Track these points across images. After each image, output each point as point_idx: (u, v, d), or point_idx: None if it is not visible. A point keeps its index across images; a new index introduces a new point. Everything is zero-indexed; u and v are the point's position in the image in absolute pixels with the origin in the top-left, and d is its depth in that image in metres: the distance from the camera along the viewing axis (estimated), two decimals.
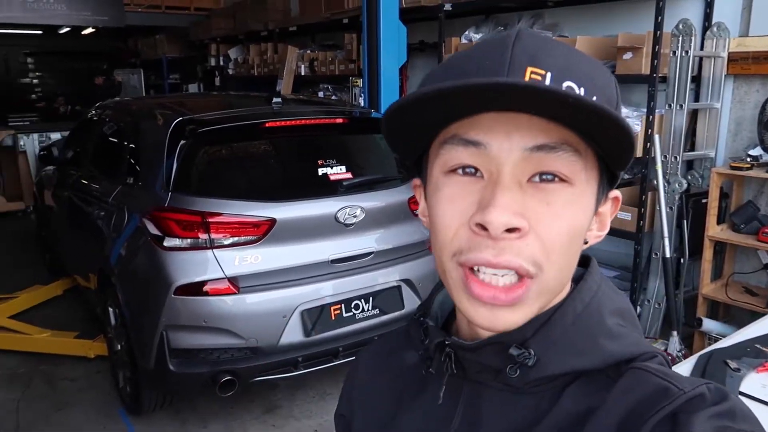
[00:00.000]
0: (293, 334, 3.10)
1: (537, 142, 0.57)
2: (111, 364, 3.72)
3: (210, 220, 2.95)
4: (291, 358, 3.12)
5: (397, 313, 3.44)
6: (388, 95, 5.68)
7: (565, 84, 0.56)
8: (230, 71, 9.56)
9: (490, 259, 0.57)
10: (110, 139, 4.02)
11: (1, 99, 12.38)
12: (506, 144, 0.57)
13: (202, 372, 2.97)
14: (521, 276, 0.58)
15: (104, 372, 3.84)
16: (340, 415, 0.86)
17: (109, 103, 4.82)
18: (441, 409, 0.68)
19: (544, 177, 0.58)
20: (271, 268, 3.07)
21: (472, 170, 0.59)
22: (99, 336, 4.00)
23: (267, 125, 3.28)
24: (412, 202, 3.54)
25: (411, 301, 3.49)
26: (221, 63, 9.92)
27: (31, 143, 7.45)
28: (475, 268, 0.59)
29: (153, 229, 3.00)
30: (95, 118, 4.52)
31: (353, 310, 3.28)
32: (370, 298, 3.34)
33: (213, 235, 2.96)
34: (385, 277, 3.41)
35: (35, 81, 14.12)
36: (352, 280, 3.30)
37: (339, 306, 3.24)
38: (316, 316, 3.16)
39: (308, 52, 7.74)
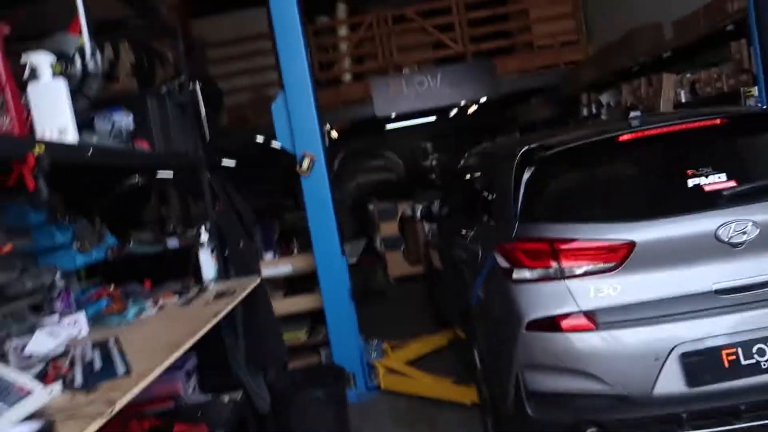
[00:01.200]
0: (671, 382, 2.51)
1: None
2: (480, 410, 3.65)
3: (559, 246, 2.67)
4: (672, 414, 2.52)
5: None
6: None
7: None
8: (604, 117, 9.17)
9: None
10: (469, 184, 4.14)
11: (409, 180, 14.47)
12: None
13: (562, 420, 2.63)
14: None
15: (478, 418, 3.78)
16: None
17: (469, 153, 5.03)
18: None
19: None
20: (635, 301, 2.59)
21: None
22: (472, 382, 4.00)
23: (620, 138, 2.87)
24: None
25: None
26: (593, 111, 9.61)
27: None
28: None
29: (502, 262, 2.86)
30: (459, 171, 4.75)
31: (756, 356, 2.51)
32: None
33: (563, 264, 2.66)
34: None
35: (433, 162, 16.08)
36: (752, 316, 2.55)
37: (734, 349, 2.52)
38: (701, 361, 2.51)
39: (687, 75, 6.87)
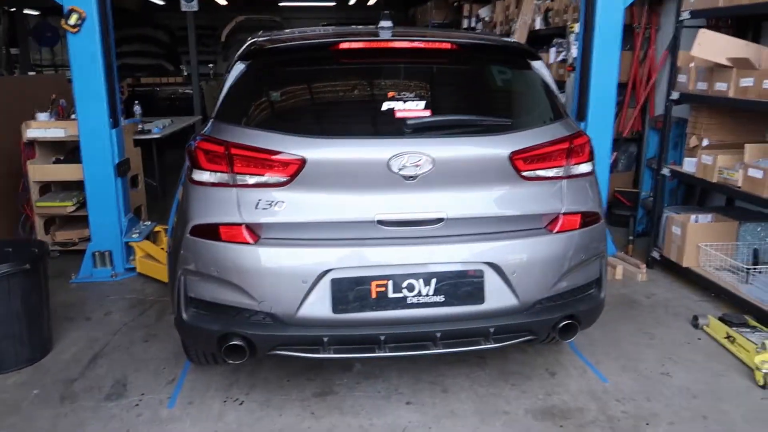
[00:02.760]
0: (317, 306, 2.46)
1: None
2: None
3: (233, 151, 2.47)
4: (314, 336, 2.49)
5: (472, 308, 2.53)
6: (606, 40, 4.44)
7: None
8: (477, 30, 8.92)
9: None
10: None
11: None
12: None
13: (212, 329, 2.54)
14: None
15: None
16: None
17: None
18: None
19: None
20: (297, 220, 2.47)
21: None
22: None
23: (339, 47, 2.63)
24: (518, 158, 2.54)
25: (497, 296, 2.53)
26: (472, 24, 9.34)
27: None
28: None
29: (188, 161, 2.64)
30: None
31: (405, 290, 2.49)
32: (433, 280, 2.50)
33: (236, 170, 2.47)
34: (461, 256, 2.52)
35: None
36: (409, 251, 2.50)
37: (384, 282, 2.48)
38: (350, 289, 2.46)
39: (547, 2, 6.68)
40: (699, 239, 4.18)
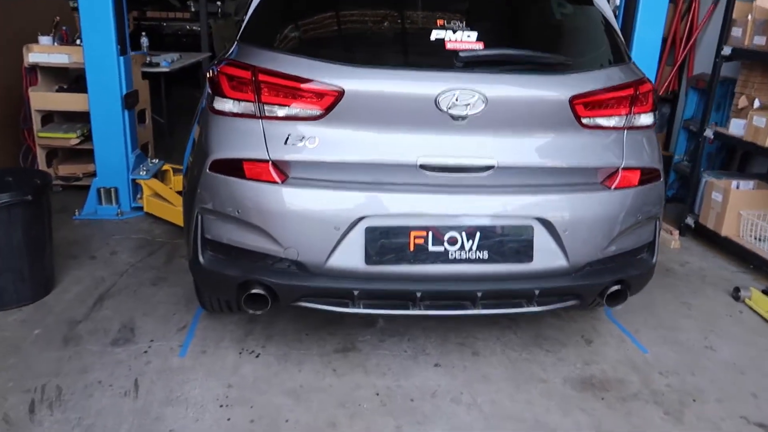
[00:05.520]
0: (349, 256, 2.22)
1: None
2: None
3: (261, 78, 2.19)
4: (344, 289, 2.26)
5: (519, 267, 2.30)
6: None
7: None
8: None
9: None
10: None
11: None
12: None
13: (231, 275, 2.32)
14: None
15: None
16: None
17: None
18: None
19: None
20: (330, 159, 2.21)
21: None
22: None
23: None
24: (579, 103, 2.27)
25: (546, 254, 2.30)
26: None
27: None
28: None
29: (208, 88, 2.37)
30: None
31: (447, 244, 2.25)
32: (477, 234, 2.26)
33: (263, 100, 2.20)
34: (510, 209, 2.28)
35: None
36: (453, 200, 2.25)
37: (424, 234, 2.24)
38: (386, 239, 2.23)
39: None
40: (741, 207, 3.94)
